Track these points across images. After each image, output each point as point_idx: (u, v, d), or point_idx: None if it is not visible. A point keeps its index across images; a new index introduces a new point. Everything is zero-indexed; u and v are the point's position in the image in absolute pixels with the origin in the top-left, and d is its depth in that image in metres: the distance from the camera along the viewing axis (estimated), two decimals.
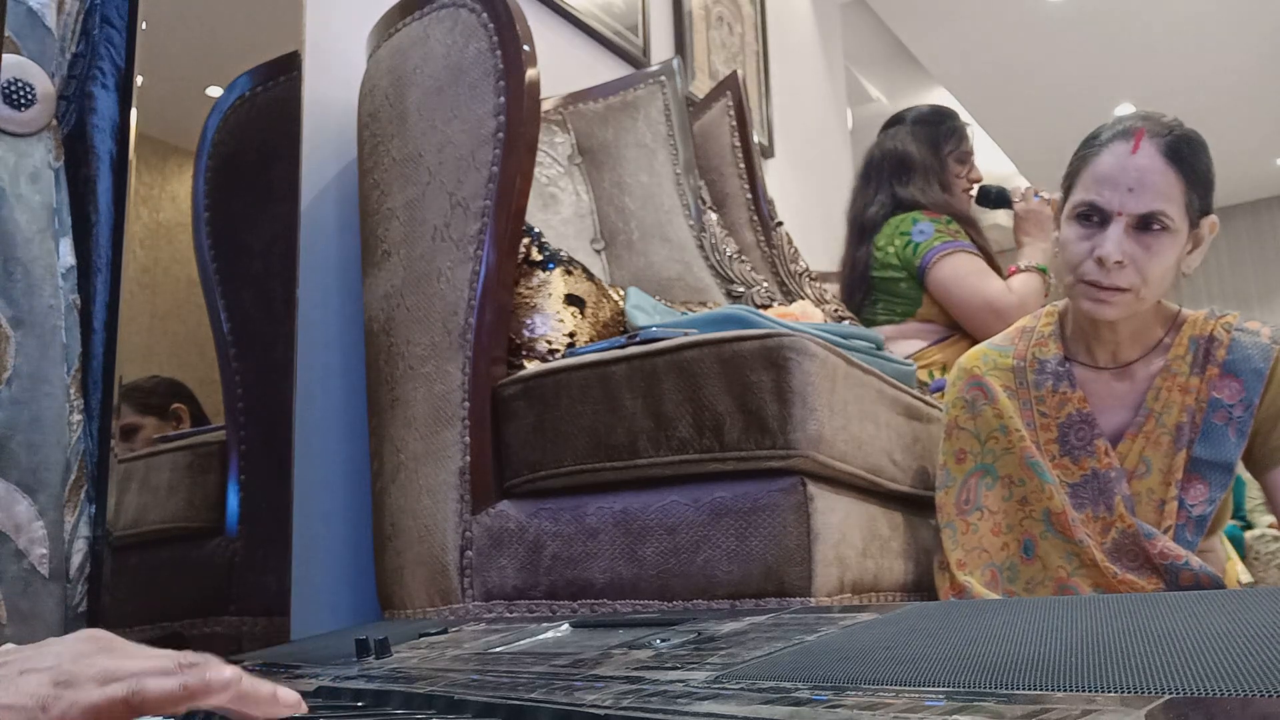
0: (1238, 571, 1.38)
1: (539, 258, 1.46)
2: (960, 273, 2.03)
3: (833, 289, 2.22)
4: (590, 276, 1.53)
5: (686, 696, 0.44)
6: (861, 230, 2.18)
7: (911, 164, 2.19)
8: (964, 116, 2.35)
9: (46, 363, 1.03)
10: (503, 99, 1.30)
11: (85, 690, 0.44)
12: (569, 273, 1.48)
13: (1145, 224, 1.17)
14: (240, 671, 0.48)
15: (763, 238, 2.08)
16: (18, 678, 0.44)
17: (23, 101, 1.06)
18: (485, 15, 1.34)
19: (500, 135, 1.30)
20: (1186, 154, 1.18)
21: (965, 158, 2.28)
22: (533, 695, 0.50)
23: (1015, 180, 6.84)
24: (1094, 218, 1.19)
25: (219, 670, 0.47)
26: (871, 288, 2.13)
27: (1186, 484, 1.18)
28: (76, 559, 1.04)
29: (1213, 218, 1.22)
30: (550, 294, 1.44)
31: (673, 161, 1.93)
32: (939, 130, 2.26)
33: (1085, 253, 1.19)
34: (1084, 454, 1.22)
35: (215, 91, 1.31)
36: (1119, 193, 1.16)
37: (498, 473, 1.28)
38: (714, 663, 0.52)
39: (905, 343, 2.06)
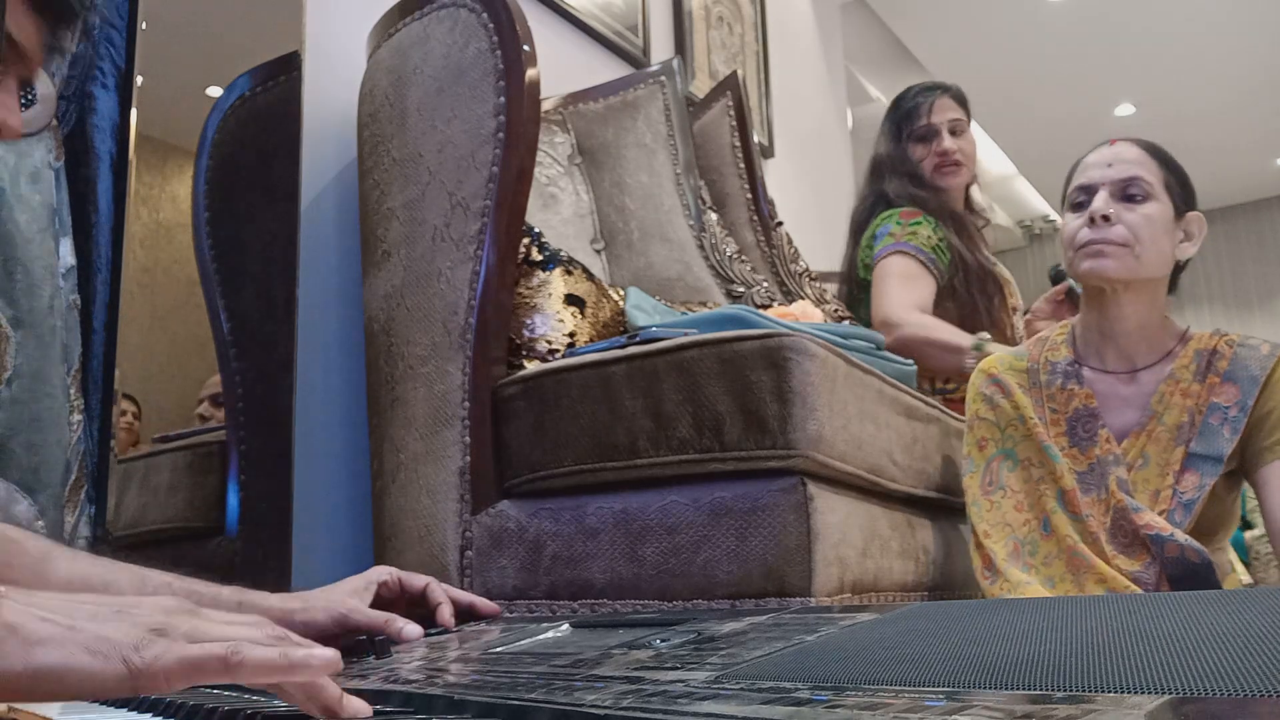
0: (1239, 579, 1.40)
1: (539, 258, 1.46)
2: (882, 275, 1.97)
3: (833, 289, 2.21)
4: (590, 276, 1.53)
5: (686, 696, 0.44)
6: (853, 231, 2.16)
7: (880, 161, 2.15)
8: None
9: (46, 363, 1.03)
10: (503, 99, 1.30)
11: (180, 643, 0.44)
12: (569, 273, 1.48)
13: (1126, 189, 1.29)
14: (335, 655, 0.48)
15: (763, 238, 2.08)
16: (114, 615, 0.44)
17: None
18: (485, 15, 1.34)
19: (500, 135, 1.30)
20: (1160, 151, 1.32)
21: (926, 135, 2.14)
22: (533, 695, 0.50)
23: (1016, 182, 6.84)
24: (1082, 199, 1.32)
25: (319, 649, 0.47)
26: (861, 290, 2.12)
27: (1181, 475, 1.25)
28: None
29: (1198, 214, 1.32)
30: (550, 294, 1.44)
31: (673, 161, 1.93)
32: (896, 116, 2.17)
33: (1079, 225, 1.31)
34: (1090, 444, 1.29)
35: (215, 91, 1.31)
36: (1099, 169, 1.31)
37: (498, 473, 1.28)
38: (714, 663, 0.52)
39: None
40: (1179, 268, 1.35)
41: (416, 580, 0.92)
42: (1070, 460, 1.29)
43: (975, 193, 2.25)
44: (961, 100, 2.20)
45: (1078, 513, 1.26)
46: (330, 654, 0.47)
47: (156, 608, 0.46)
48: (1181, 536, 1.20)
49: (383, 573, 0.91)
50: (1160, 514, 1.23)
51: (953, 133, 2.14)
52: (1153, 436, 1.27)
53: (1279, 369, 1.25)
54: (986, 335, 1.84)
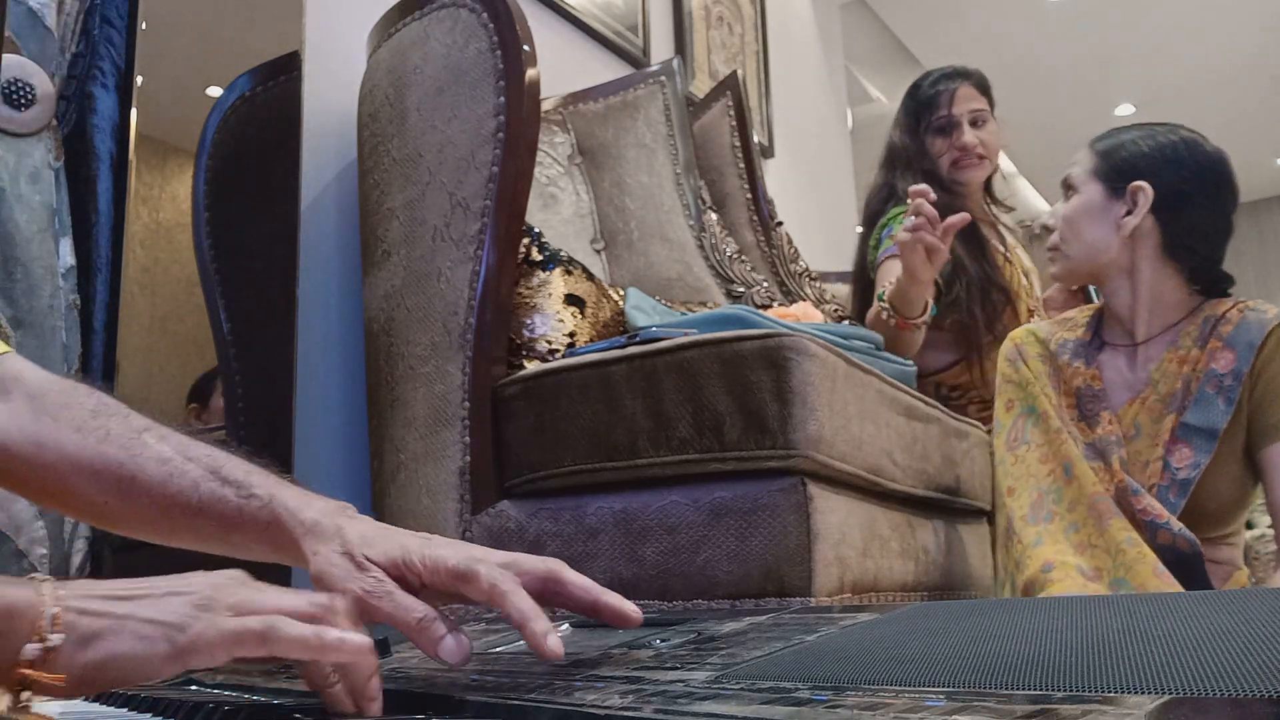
0: (1245, 578, 1.40)
1: (539, 258, 1.46)
2: (877, 280, 1.91)
3: (833, 289, 2.20)
4: (590, 276, 1.53)
5: (686, 696, 0.44)
6: (866, 220, 2.09)
7: (895, 151, 2.07)
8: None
9: (46, 363, 1.03)
10: (503, 99, 1.30)
11: (223, 617, 0.47)
12: (569, 273, 1.48)
13: (1066, 192, 1.41)
14: (368, 643, 0.50)
15: (763, 238, 2.08)
16: (162, 597, 0.47)
17: (23, 101, 1.06)
18: (485, 15, 1.34)
19: (500, 135, 1.30)
20: (1106, 140, 1.39)
21: (945, 127, 2.03)
22: (532, 695, 0.50)
23: (1016, 182, 6.83)
24: None
25: (353, 635, 0.49)
26: (870, 291, 2.08)
27: (1172, 446, 1.27)
28: (76, 559, 1.04)
29: (1139, 182, 1.33)
30: (550, 294, 1.44)
31: (673, 161, 1.93)
32: (914, 105, 2.06)
33: None
34: (1095, 423, 1.33)
35: (215, 91, 1.31)
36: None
37: (498, 473, 1.28)
38: (714, 663, 0.52)
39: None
40: (1180, 243, 1.32)
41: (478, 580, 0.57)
42: (1079, 431, 1.33)
43: (997, 180, 2.16)
44: (984, 87, 2.08)
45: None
46: (364, 641, 0.49)
47: (207, 583, 0.49)
48: (1176, 525, 1.21)
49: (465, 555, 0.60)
50: (1151, 488, 1.25)
51: (973, 124, 2.04)
52: (1146, 405, 1.30)
53: (1273, 336, 1.25)
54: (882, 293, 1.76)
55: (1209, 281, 1.35)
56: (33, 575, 0.47)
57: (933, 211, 1.53)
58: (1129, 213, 1.33)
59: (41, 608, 0.44)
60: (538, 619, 0.54)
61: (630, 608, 0.60)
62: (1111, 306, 1.37)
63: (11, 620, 0.44)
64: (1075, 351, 1.39)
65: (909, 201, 1.56)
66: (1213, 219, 1.33)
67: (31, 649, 0.43)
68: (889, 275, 1.88)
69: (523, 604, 0.55)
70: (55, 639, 0.44)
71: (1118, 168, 1.35)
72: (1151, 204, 1.32)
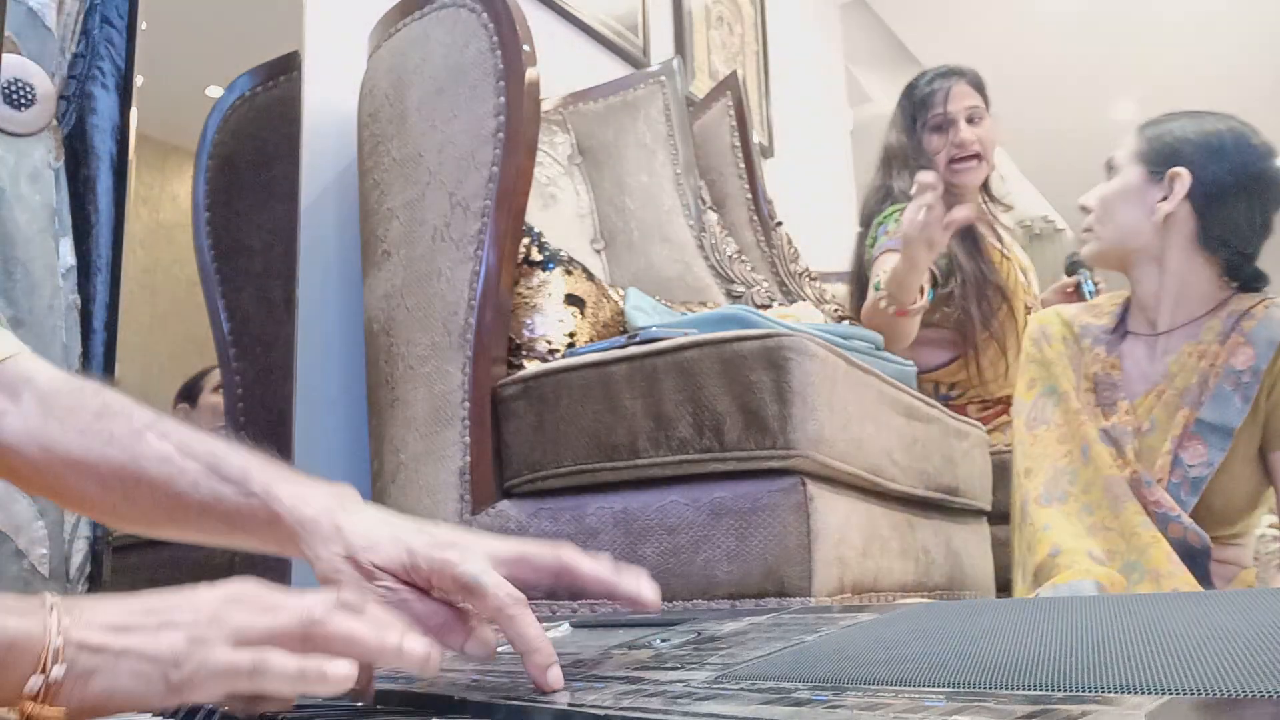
0: (1250, 578, 1.40)
1: (539, 258, 1.46)
2: (874, 274, 1.91)
3: (833, 289, 2.20)
4: (590, 276, 1.53)
5: (686, 696, 0.44)
6: (863, 221, 2.11)
7: (892, 152, 2.08)
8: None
9: None
10: (503, 99, 1.30)
11: (216, 651, 0.47)
12: (569, 273, 1.48)
13: (1108, 170, 1.41)
14: (350, 673, 0.49)
15: (763, 238, 2.08)
16: (157, 630, 0.47)
17: (23, 101, 1.06)
18: (485, 15, 1.34)
19: (500, 135, 1.30)
20: (1155, 125, 1.39)
21: (942, 124, 2.05)
22: (533, 695, 0.50)
23: (1013, 182, 6.82)
24: None
25: (336, 666, 0.49)
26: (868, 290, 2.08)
27: (1185, 442, 1.26)
28: (76, 559, 1.04)
29: (1178, 169, 1.32)
30: (550, 294, 1.44)
31: (673, 161, 1.93)
32: (910, 105, 2.09)
33: None
34: (1111, 410, 1.34)
35: (215, 91, 1.31)
36: None
37: (498, 473, 1.28)
38: (714, 663, 0.52)
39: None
40: (1214, 234, 1.31)
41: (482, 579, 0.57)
42: (1094, 417, 1.34)
43: (994, 179, 2.17)
44: (978, 85, 2.11)
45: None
46: (347, 672, 0.49)
47: (208, 609, 0.48)
48: (1187, 520, 1.21)
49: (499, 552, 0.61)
50: (1158, 481, 1.25)
51: (970, 121, 2.06)
52: (1162, 399, 1.29)
53: None
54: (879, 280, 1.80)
55: (1245, 277, 1.32)
56: (41, 593, 0.47)
57: (942, 206, 1.54)
58: (1164, 198, 1.32)
59: (45, 639, 0.46)
60: (541, 649, 0.54)
61: (647, 591, 0.61)
62: (1137, 294, 1.37)
63: (16, 653, 0.45)
64: (1098, 337, 1.39)
65: (912, 194, 1.56)
66: (1250, 213, 1.30)
67: (35, 682, 0.45)
68: (884, 268, 1.88)
69: (528, 631, 0.55)
70: (57, 672, 0.45)
71: (1160, 152, 1.34)
72: (1189, 192, 1.30)
